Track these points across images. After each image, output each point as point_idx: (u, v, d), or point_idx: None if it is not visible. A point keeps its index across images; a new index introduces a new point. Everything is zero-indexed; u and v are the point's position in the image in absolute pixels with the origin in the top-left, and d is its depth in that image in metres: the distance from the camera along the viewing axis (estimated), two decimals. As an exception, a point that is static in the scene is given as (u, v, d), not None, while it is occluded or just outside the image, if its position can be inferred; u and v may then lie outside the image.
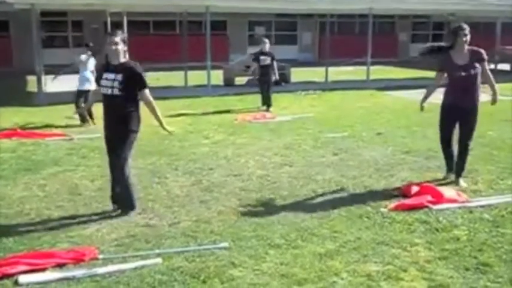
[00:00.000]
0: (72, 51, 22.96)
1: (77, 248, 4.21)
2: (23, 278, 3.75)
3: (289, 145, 8.11)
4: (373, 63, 17.29)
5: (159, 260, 4.06)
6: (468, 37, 5.61)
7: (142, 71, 4.89)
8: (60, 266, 3.95)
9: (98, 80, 5.06)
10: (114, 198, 5.09)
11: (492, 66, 19.81)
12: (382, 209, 5.13)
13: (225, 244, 4.32)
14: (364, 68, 17.11)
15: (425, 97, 6.16)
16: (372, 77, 17.00)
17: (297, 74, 17.27)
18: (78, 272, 3.85)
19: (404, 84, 16.58)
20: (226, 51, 23.41)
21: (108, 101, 4.87)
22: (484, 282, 3.72)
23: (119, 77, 4.78)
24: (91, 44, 10.12)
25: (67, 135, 8.78)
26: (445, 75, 5.84)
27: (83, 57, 9.89)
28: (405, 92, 14.75)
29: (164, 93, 14.20)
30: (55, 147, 7.97)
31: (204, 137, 8.82)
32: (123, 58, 4.88)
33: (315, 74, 18.50)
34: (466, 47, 5.67)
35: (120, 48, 4.82)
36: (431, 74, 21.03)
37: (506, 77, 17.83)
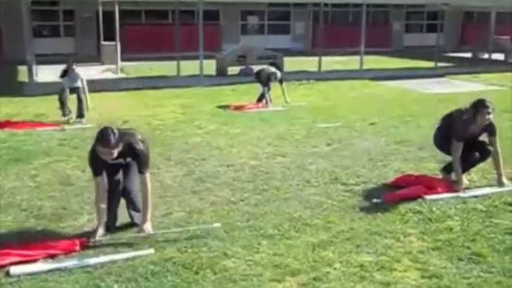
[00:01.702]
0: (64, 40, 22.84)
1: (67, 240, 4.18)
2: (14, 269, 3.72)
3: (282, 135, 8.09)
4: (366, 53, 17.26)
5: (151, 250, 4.04)
6: (491, 116, 5.27)
7: (143, 151, 4.25)
8: (51, 256, 3.92)
9: (99, 169, 4.22)
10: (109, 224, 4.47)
11: (486, 56, 19.92)
12: (375, 200, 5.12)
13: (218, 224, 4.39)
14: (358, 57, 17.08)
15: (458, 173, 5.44)
16: (365, 67, 16.97)
17: (290, 64, 17.19)
18: (70, 263, 3.83)
19: (398, 74, 16.59)
20: (218, 41, 23.27)
21: (119, 168, 4.39)
22: (477, 272, 3.73)
23: (128, 159, 4.31)
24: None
25: (59, 126, 8.70)
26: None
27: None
28: (399, 82, 14.76)
29: (156, 83, 14.13)
30: (47, 138, 7.89)
31: (197, 126, 8.77)
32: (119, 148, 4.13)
33: (308, 63, 18.43)
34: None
35: (116, 152, 4.08)
36: (424, 63, 20.97)
37: (500, 67, 17.91)
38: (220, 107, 10.59)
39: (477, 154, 5.55)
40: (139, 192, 4.45)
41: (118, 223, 4.52)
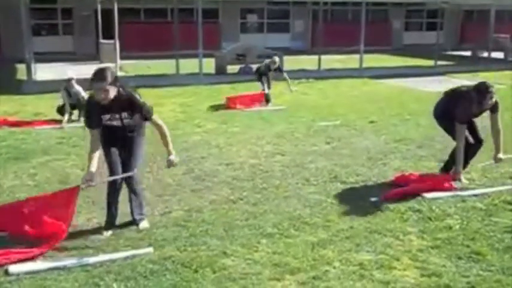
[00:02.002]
0: (62, 38, 22.80)
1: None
2: (13, 268, 3.72)
3: (281, 134, 8.08)
4: (366, 52, 17.24)
5: (150, 249, 4.03)
6: (494, 99, 5.29)
7: (141, 101, 4.24)
8: (49, 247, 3.92)
9: (95, 121, 4.21)
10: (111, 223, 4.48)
11: (486, 54, 19.90)
12: (373, 199, 5.11)
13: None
14: (357, 56, 17.06)
15: (460, 163, 5.45)
16: (365, 65, 16.95)
17: (290, 62, 17.16)
18: (69, 262, 3.82)
19: (398, 72, 16.57)
20: (218, 39, 23.24)
21: (117, 130, 4.29)
22: (477, 270, 3.73)
23: (124, 114, 4.22)
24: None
25: (57, 124, 8.68)
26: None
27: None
28: (398, 80, 14.75)
29: (155, 81, 14.10)
30: (45, 136, 7.88)
31: (196, 125, 8.76)
32: (114, 93, 4.11)
33: (308, 62, 18.43)
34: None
35: (111, 92, 4.05)
36: (424, 62, 20.87)
37: (500, 66, 17.90)
38: (219, 105, 10.58)
39: (470, 148, 5.56)
40: (140, 182, 4.54)
41: (117, 221, 4.52)
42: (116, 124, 4.27)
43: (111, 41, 17.23)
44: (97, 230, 4.39)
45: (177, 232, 4.36)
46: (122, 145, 4.42)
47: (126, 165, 4.39)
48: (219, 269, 3.75)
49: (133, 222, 4.50)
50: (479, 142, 5.63)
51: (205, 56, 15.26)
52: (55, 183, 5.66)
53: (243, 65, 16.25)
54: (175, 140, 7.64)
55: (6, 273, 3.67)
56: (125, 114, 4.23)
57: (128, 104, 4.20)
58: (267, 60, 11.07)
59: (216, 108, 10.38)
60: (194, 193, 5.36)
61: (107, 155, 4.37)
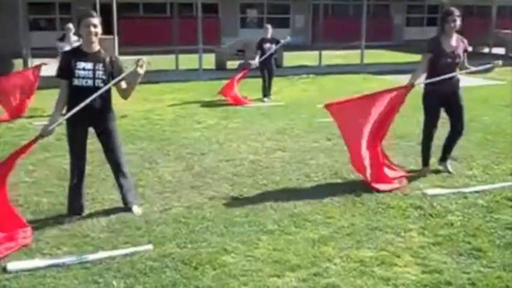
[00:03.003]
0: (60, 34, 22.71)
1: None
2: (11, 265, 3.70)
3: (281, 130, 8.05)
4: (367, 47, 17.17)
5: (150, 246, 4.01)
6: (457, 23, 5.36)
7: (122, 63, 4.47)
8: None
9: (68, 70, 4.25)
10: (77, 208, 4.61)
11: (487, 50, 19.82)
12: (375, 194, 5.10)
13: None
14: (358, 51, 16.99)
15: (414, 78, 5.80)
16: (365, 61, 16.88)
17: (290, 58, 17.13)
18: (68, 259, 3.80)
19: (398, 68, 16.46)
20: (217, 35, 23.17)
21: (88, 94, 4.18)
22: (477, 267, 3.71)
23: (100, 67, 4.27)
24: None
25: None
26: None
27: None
28: (399, 77, 14.64)
29: (155, 77, 14.02)
30: (44, 132, 7.83)
31: (196, 121, 8.73)
32: (97, 45, 4.34)
33: (308, 58, 18.37)
34: (455, 34, 5.49)
35: (99, 32, 4.27)
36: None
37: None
38: (219, 101, 10.55)
39: (451, 134, 5.69)
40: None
41: (115, 218, 4.50)
42: (86, 84, 4.25)
43: (110, 36, 17.10)
44: (96, 228, 4.37)
45: (177, 229, 4.34)
46: (94, 124, 4.45)
47: (112, 152, 4.49)
48: (219, 265, 3.73)
49: (126, 208, 4.58)
50: (457, 132, 5.64)
51: (205, 51, 15.20)
52: (54, 179, 5.65)
53: (242, 61, 16.19)
54: (175, 136, 7.68)
55: (5, 270, 3.66)
56: (99, 66, 4.28)
57: (109, 62, 4.35)
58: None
59: (216, 104, 10.35)
60: (194, 190, 5.33)
61: (72, 137, 4.54)
